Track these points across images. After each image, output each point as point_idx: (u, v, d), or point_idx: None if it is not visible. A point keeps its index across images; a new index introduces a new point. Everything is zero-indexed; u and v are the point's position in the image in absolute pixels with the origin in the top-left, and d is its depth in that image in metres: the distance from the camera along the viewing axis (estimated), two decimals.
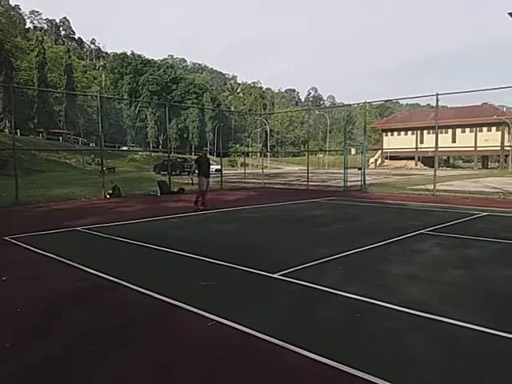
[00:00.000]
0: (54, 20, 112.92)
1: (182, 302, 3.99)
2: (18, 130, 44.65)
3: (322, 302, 4.06)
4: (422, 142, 49.73)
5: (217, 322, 3.51)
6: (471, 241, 6.98)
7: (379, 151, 56.07)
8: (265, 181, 23.06)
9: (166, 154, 24.86)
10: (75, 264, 5.48)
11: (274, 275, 4.86)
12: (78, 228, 8.37)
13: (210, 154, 56.05)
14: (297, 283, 4.57)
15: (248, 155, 59.17)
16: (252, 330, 3.33)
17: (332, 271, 5.09)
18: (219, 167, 24.00)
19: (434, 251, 6.20)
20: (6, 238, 7.37)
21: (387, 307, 3.82)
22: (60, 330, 3.47)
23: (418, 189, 17.86)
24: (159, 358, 2.96)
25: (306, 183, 20.37)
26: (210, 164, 12.15)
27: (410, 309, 3.74)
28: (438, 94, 15.39)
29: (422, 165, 50.54)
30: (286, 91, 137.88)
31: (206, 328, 3.42)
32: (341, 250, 6.13)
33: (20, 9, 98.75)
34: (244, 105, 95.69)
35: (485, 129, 47.48)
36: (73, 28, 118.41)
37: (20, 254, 6.26)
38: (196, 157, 13.22)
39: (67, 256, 5.87)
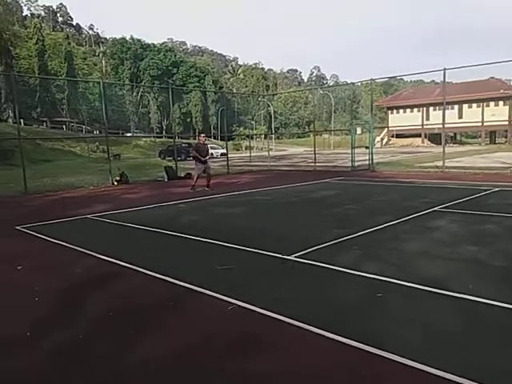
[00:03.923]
0: (51, 6, 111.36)
1: (199, 286, 3.96)
2: (22, 120, 44.59)
3: (340, 283, 4.01)
4: (427, 119, 49.02)
5: (237, 305, 3.48)
6: (486, 217, 6.89)
7: (385, 130, 55.47)
8: (271, 163, 22.94)
9: (170, 140, 24.71)
10: (89, 252, 5.46)
11: (289, 257, 4.81)
12: (89, 216, 8.36)
13: (215, 138, 55.78)
14: (313, 264, 4.52)
15: (252, 138, 58.79)
16: (274, 313, 3.28)
17: (347, 251, 5.03)
18: (224, 151, 23.88)
19: (449, 228, 6.12)
20: (18, 227, 7.37)
21: (408, 286, 3.76)
22: (78, 318, 3.45)
23: (427, 166, 17.68)
24: (181, 343, 2.93)
25: (312, 164, 20.21)
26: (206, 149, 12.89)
27: (431, 287, 3.68)
28: (445, 69, 15.07)
29: (429, 142, 49.99)
30: (288, 71, 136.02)
31: (227, 312, 3.39)
32: (354, 230, 6.07)
33: None
34: (246, 86, 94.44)
35: (492, 103, 46.61)
36: (70, 14, 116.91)
37: (33, 243, 6.26)
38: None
39: (80, 244, 5.85)
